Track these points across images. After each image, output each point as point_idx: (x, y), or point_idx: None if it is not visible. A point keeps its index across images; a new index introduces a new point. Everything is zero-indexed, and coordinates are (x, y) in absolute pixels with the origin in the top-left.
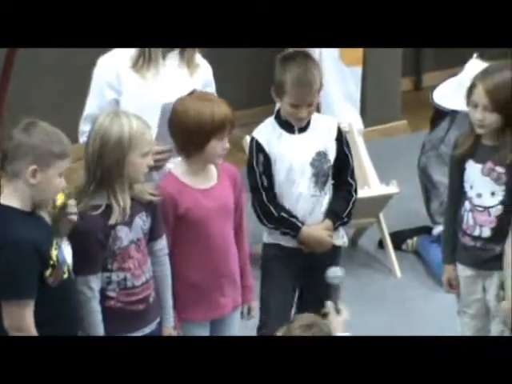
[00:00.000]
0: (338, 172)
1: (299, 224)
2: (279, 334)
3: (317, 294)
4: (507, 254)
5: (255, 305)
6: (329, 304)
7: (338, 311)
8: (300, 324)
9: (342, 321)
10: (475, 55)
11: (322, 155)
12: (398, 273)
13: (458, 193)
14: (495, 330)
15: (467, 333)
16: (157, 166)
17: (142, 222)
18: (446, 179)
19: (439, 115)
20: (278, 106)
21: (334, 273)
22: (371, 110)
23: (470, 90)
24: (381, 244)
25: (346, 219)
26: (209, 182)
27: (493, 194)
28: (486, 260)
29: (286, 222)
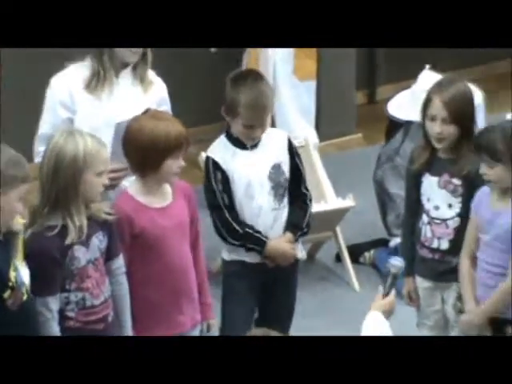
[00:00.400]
0: (292, 183)
1: (264, 239)
2: None
3: (277, 308)
4: (462, 266)
5: (214, 322)
6: (380, 287)
7: (385, 295)
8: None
9: (384, 304)
10: (427, 67)
11: (277, 168)
12: (357, 286)
13: (415, 206)
14: None
15: None
16: (112, 185)
17: (98, 241)
18: (402, 191)
19: (394, 127)
20: None
21: (397, 261)
22: (326, 124)
23: (426, 103)
24: (338, 257)
25: (305, 230)
26: (164, 201)
27: (450, 206)
28: (444, 272)
29: (252, 238)
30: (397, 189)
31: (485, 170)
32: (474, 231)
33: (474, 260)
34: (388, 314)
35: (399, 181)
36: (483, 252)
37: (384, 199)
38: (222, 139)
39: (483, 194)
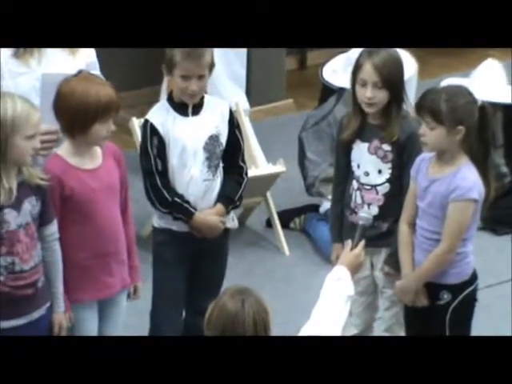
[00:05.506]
0: (229, 155)
1: (192, 210)
2: (211, 305)
3: (207, 276)
4: (401, 232)
5: (141, 286)
6: (349, 241)
7: (353, 248)
8: (230, 291)
9: (352, 256)
10: None
11: (214, 139)
12: (287, 251)
13: (344, 172)
14: (383, 305)
15: (356, 309)
16: (44, 148)
17: (31, 206)
18: (319, 156)
19: (328, 92)
20: (164, 86)
21: (366, 213)
22: (257, 89)
23: (356, 69)
24: (269, 223)
25: (238, 203)
26: (94, 163)
27: (380, 172)
28: (373, 237)
29: (180, 208)
30: (316, 154)
31: (424, 131)
32: (412, 198)
33: (413, 226)
34: (354, 267)
35: (319, 146)
36: (420, 218)
37: (303, 161)
38: (164, 104)
39: (422, 160)
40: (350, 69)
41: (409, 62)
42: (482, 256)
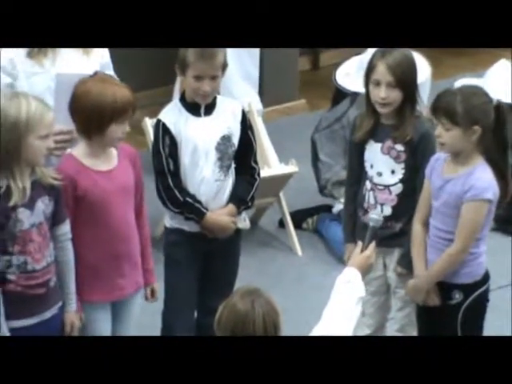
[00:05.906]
0: (241, 156)
1: (204, 210)
2: (221, 305)
3: (218, 276)
4: (414, 232)
5: (158, 287)
6: (359, 242)
7: (364, 249)
8: (240, 292)
9: (362, 257)
10: None
11: (226, 139)
12: (299, 251)
13: (357, 173)
14: (395, 306)
15: (368, 310)
16: (58, 148)
17: (44, 205)
18: (331, 158)
19: (340, 94)
20: (177, 86)
21: (376, 214)
22: (269, 89)
23: (370, 69)
24: (281, 223)
25: (249, 204)
26: (109, 164)
27: (393, 172)
28: (386, 237)
29: (191, 208)
30: (329, 156)
31: (440, 132)
32: (426, 197)
33: (426, 225)
34: (365, 268)
35: (332, 148)
36: (434, 218)
37: (316, 163)
38: (176, 103)
39: (436, 160)
40: (363, 72)
41: (423, 65)
42: (494, 257)
